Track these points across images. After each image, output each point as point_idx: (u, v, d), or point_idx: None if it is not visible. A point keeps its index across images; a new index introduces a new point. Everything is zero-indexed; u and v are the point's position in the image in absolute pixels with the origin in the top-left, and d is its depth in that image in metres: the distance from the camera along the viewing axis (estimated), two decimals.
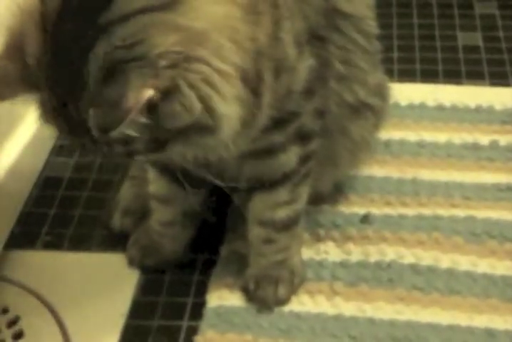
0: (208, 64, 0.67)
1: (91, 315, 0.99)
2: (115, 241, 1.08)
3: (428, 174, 1.12)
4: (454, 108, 1.23)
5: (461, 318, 0.93)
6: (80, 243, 1.08)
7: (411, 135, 1.19)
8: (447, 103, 1.24)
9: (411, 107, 1.24)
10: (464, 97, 1.25)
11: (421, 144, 1.17)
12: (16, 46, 0.68)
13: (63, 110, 0.68)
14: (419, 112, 1.23)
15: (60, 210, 1.14)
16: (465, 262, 1.00)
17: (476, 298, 0.96)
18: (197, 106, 0.68)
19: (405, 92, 1.25)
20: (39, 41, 0.67)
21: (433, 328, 0.93)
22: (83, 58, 0.65)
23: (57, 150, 1.23)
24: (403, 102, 1.24)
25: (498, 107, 1.22)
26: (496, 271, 0.99)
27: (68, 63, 0.66)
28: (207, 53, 0.67)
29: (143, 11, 0.65)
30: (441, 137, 1.18)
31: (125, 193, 1.11)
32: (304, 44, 0.79)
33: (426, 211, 1.06)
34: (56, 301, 1.00)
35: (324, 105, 0.87)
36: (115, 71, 0.65)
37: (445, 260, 1.00)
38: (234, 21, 0.70)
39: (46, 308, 0.99)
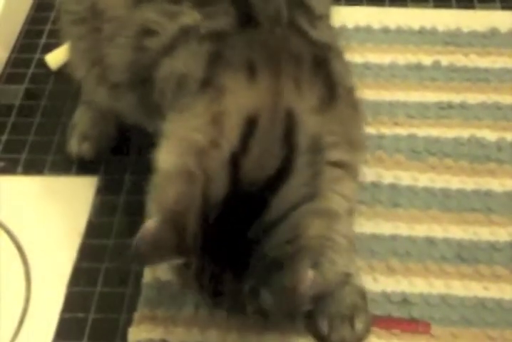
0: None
1: (48, 236, 1.01)
2: (68, 165, 1.09)
3: (373, 94, 1.14)
4: (399, 30, 1.25)
5: (403, 228, 0.98)
6: (33, 167, 1.10)
7: (356, 57, 1.20)
8: (392, 26, 1.26)
9: (356, 29, 1.25)
10: (408, 19, 1.26)
11: (366, 66, 1.19)
12: (175, 223, 0.71)
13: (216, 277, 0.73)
14: (365, 35, 1.24)
15: (13, 136, 1.14)
16: (406, 177, 1.04)
17: (417, 210, 1.01)
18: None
19: (351, 15, 1.26)
20: (200, 225, 0.70)
21: (377, 238, 0.98)
22: (247, 249, 0.70)
23: (6, 78, 1.22)
24: (350, 25, 1.26)
25: (440, 28, 1.24)
26: (436, 184, 1.03)
27: (231, 251, 0.71)
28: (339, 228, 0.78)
29: (295, 207, 0.70)
30: (385, 58, 1.20)
31: (81, 117, 1.10)
32: None
33: (371, 130, 1.09)
34: (12, 223, 1.02)
35: None
36: (282, 262, 0.71)
37: (388, 176, 1.04)
38: None
39: (2, 228, 1.01)
